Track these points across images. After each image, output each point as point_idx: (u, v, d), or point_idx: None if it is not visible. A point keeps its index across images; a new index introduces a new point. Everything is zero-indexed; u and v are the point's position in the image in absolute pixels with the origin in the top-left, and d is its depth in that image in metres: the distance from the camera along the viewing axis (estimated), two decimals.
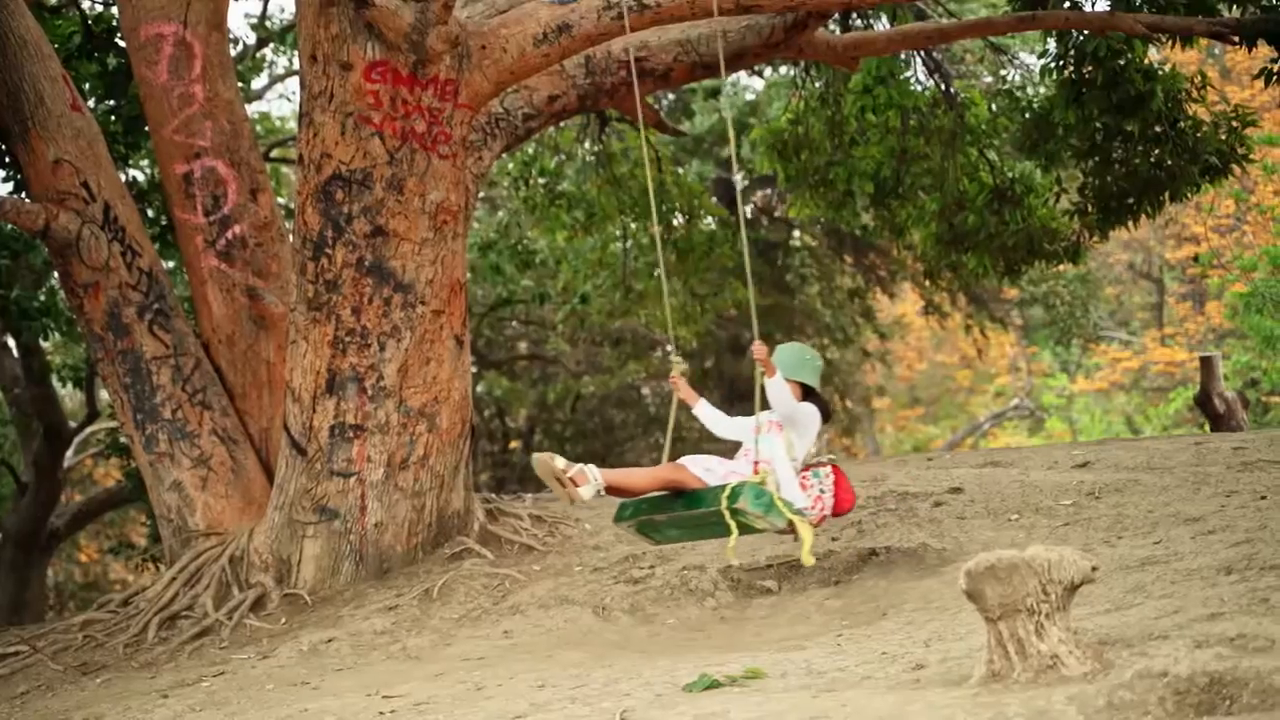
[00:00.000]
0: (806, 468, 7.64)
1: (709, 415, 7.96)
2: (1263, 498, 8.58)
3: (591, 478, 7.25)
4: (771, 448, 7.44)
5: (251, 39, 19.65)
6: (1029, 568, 4.66)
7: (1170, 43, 11.06)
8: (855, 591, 8.30)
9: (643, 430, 27.78)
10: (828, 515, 7.67)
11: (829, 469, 7.70)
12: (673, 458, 7.71)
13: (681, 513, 7.38)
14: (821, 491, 7.63)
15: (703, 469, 7.51)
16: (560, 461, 7.24)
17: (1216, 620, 5.24)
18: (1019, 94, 13.31)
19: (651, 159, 16.22)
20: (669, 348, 7.99)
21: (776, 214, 25.82)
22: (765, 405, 7.44)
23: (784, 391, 7.38)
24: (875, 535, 9.16)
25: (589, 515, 10.89)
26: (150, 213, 13.48)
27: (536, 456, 7.33)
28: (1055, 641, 4.67)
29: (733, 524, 7.18)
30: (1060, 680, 4.56)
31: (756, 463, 7.35)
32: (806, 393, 7.67)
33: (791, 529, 7.35)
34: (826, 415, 7.76)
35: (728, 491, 7.13)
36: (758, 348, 7.24)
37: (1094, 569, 4.76)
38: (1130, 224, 12.52)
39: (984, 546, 8.45)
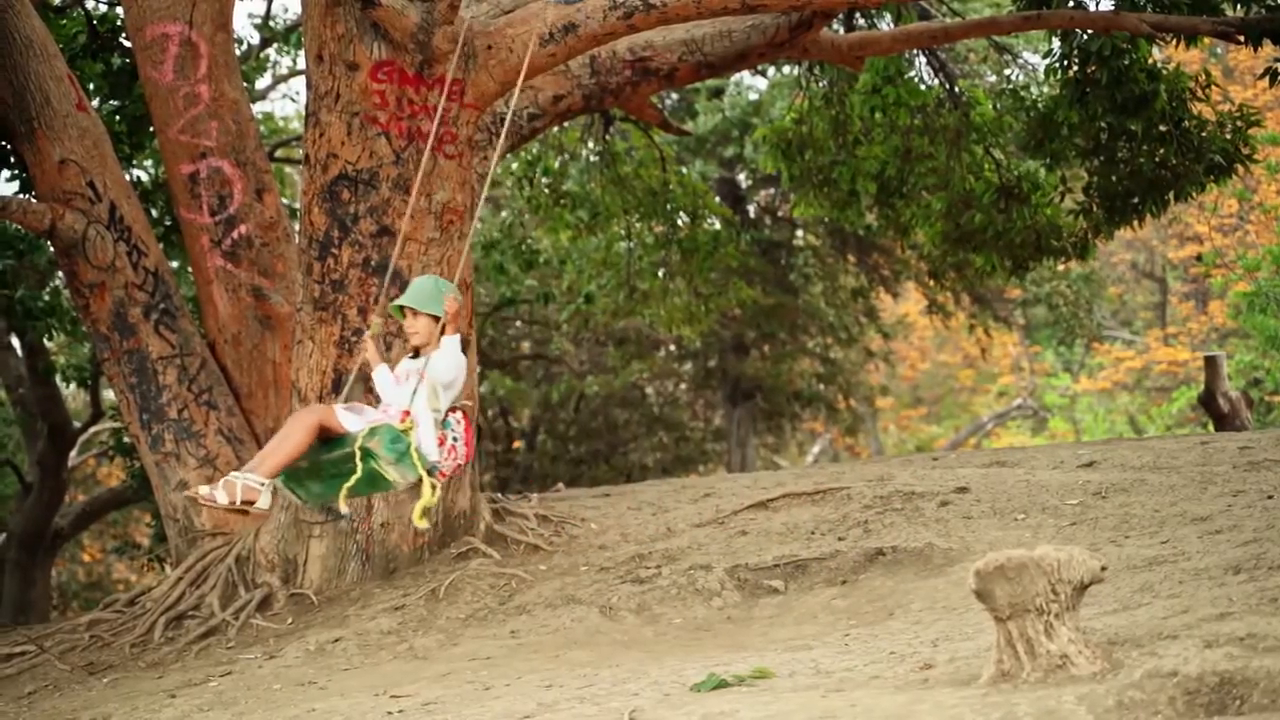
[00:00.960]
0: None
1: (382, 380, 7.31)
2: (1269, 497, 8.58)
3: (255, 483, 6.65)
4: (418, 400, 6.94)
5: (256, 39, 19.65)
6: (1038, 567, 4.66)
7: (1174, 42, 11.07)
8: (862, 591, 8.31)
9: (646, 430, 27.78)
10: (461, 464, 7.16)
11: (459, 415, 7.15)
12: None
13: (321, 457, 6.88)
14: (455, 440, 7.08)
15: (348, 416, 6.97)
16: (207, 492, 6.68)
17: (1225, 620, 5.24)
18: (1023, 93, 13.31)
19: (655, 159, 16.22)
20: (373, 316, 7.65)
21: (780, 214, 25.82)
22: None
23: (458, 350, 6.94)
24: (882, 535, 9.16)
25: (595, 515, 10.90)
26: (155, 212, 13.48)
27: (193, 494, 6.78)
28: (1064, 641, 4.67)
29: (360, 466, 6.72)
30: (1070, 680, 4.56)
31: (406, 412, 6.87)
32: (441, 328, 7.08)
33: (417, 485, 6.86)
34: (464, 345, 7.20)
35: (365, 431, 6.70)
36: (450, 303, 6.87)
37: (1103, 569, 4.76)
38: (1134, 223, 12.51)
39: (991, 546, 8.45)
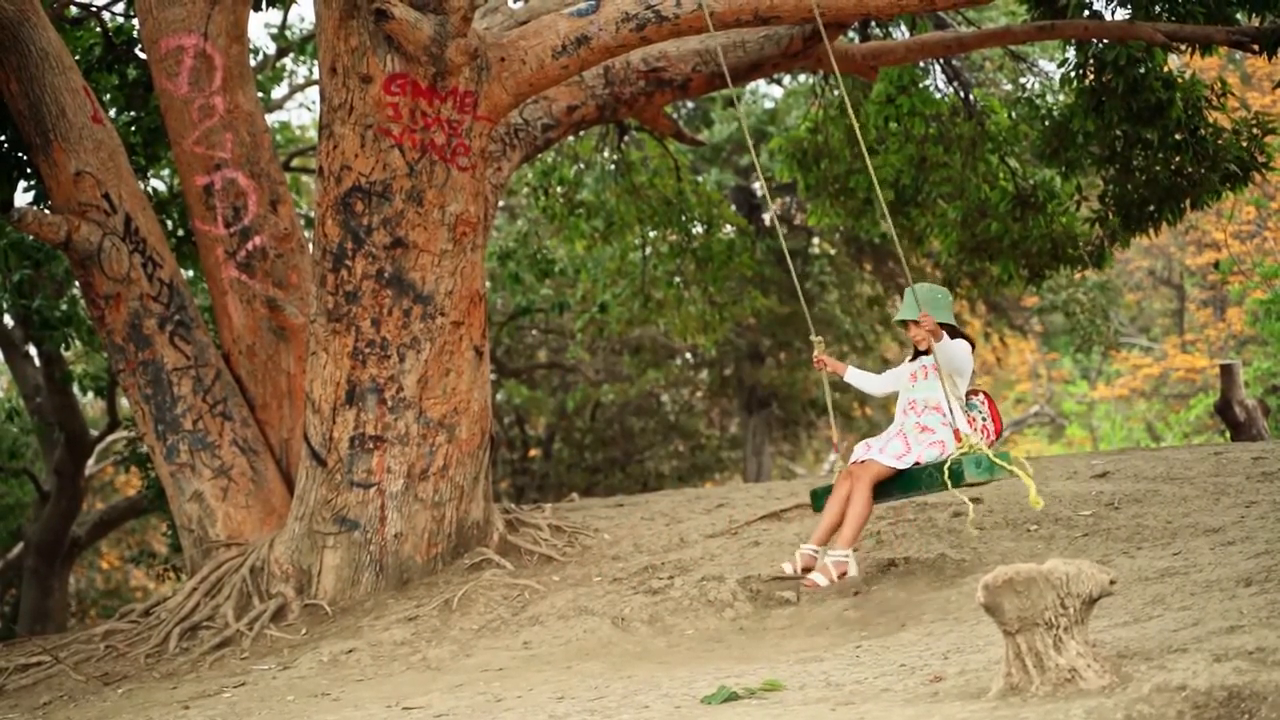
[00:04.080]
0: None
1: (860, 378, 8.36)
2: None
3: (844, 559, 7.71)
4: (934, 392, 7.75)
5: (271, 49, 19.72)
6: (1047, 581, 4.66)
7: (1190, 51, 11.05)
8: (874, 602, 8.30)
9: (662, 438, 27.78)
10: (993, 439, 7.91)
11: (982, 397, 8.00)
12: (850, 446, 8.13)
13: (897, 499, 8.00)
14: (985, 420, 7.91)
15: (884, 455, 7.79)
16: (789, 567, 7.93)
17: (1235, 633, 5.23)
18: (1038, 102, 13.29)
19: (670, 168, 16.24)
20: (812, 336, 8.10)
21: (796, 222, 25.82)
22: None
23: (952, 346, 7.71)
24: (894, 546, 9.16)
25: (608, 525, 10.91)
26: (170, 224, 13.53)
27: (778, 570, 8.07)
28: (1074, 655, 4.67)
29: (966, 499, 7.95)
30: (1078, 694, 4.56)
31: (958, 433, 7.56)
32: (948, 330, 7.86)
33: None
34: (972, 342, 8.03)
35: (947, 474, 7.38)
36: (926, 319, 7.52)
37: (1112, 582, 4.76)
38: (1150, 232, 12.49)
39: (1003, 557, 8.45)
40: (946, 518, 9.53)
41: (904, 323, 8.02)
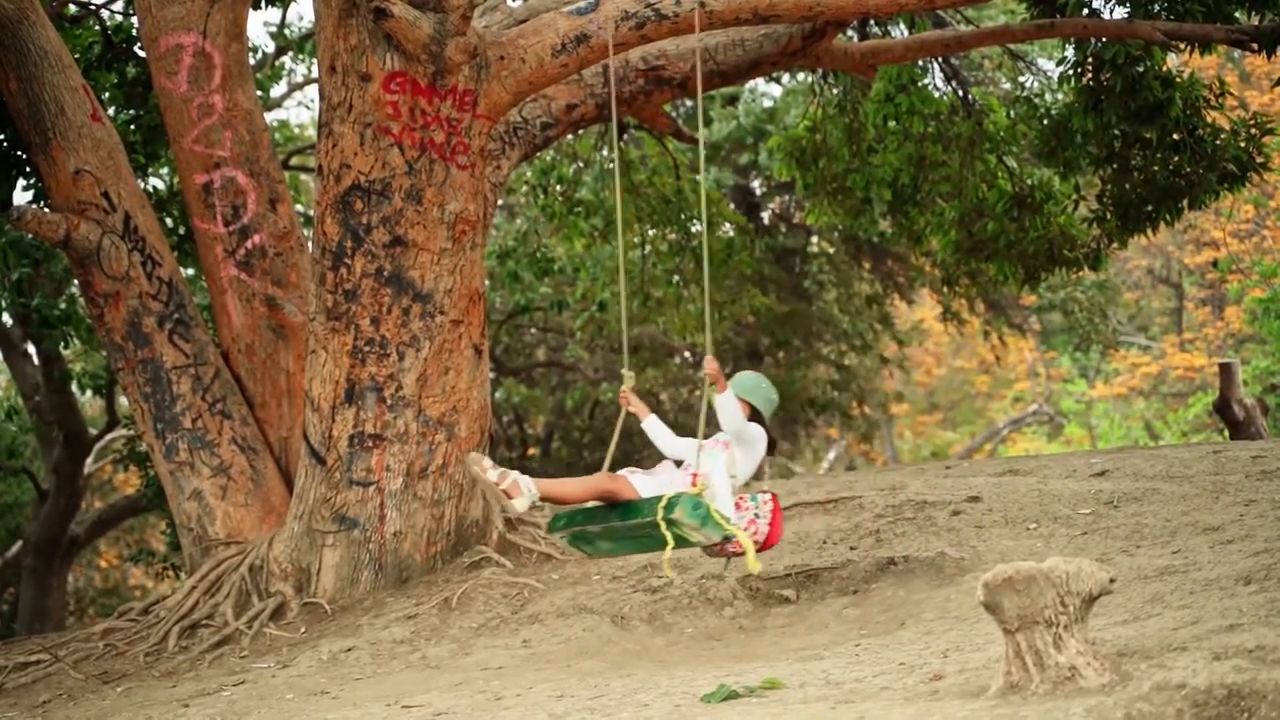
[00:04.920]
0: (745, 491, 7.52)
1: (657, 430, 7.77)
2: None
3: (525, 489, 7.03)
4: (713, 463, 7.27)
5: (271, 47, 19.72)
6: (1047, 579, 4.67)
7: (1189, 49, 11.05)
8: (873, 601, 8.31)
9: None
10: (759, 544, 7.39)
11: (768, 496, 7.49)
12: (612, 469, 7.55)
13: (616, 523, 7.18)
14: (756, 516, 7.42)
15: (640, 480, 7.30)
16: (490, 467, 7.07)
17: (1235, 631, 5.23)
18: (1037, 101, 13.28)
19: (669, 166, 16.24)
20: (624, 370, 7.76)
21: (794, 220, 25.81)
22: (712, 426, 7.36)
23: (734, 406, 7.28)
24: (893, 544, 9.16)
25: None
26: (170, 222, 13.53)
27: (469, 457, 7.19)
28: (1073, 653, 4.67)
29: (668, 535, 6.97)
30: (1078, 692, 4.57)
31: (695, 475, 7.13)
32: (755, 419, 7.51)
33: (724, 543, 7.19)
34: (772, 446, 7.56)
35: (664, 502, 6.94)
36: (709, 363, 7.15)
37: (1112, 580, 4.76)
38: (1148, 231, 12.48)
39: (1002, 556, 8.45)
40: (946, 516, 9.53)
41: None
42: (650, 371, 26.08)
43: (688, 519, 6.93)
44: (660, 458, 7.67)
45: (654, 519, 6.96)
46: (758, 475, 7.56)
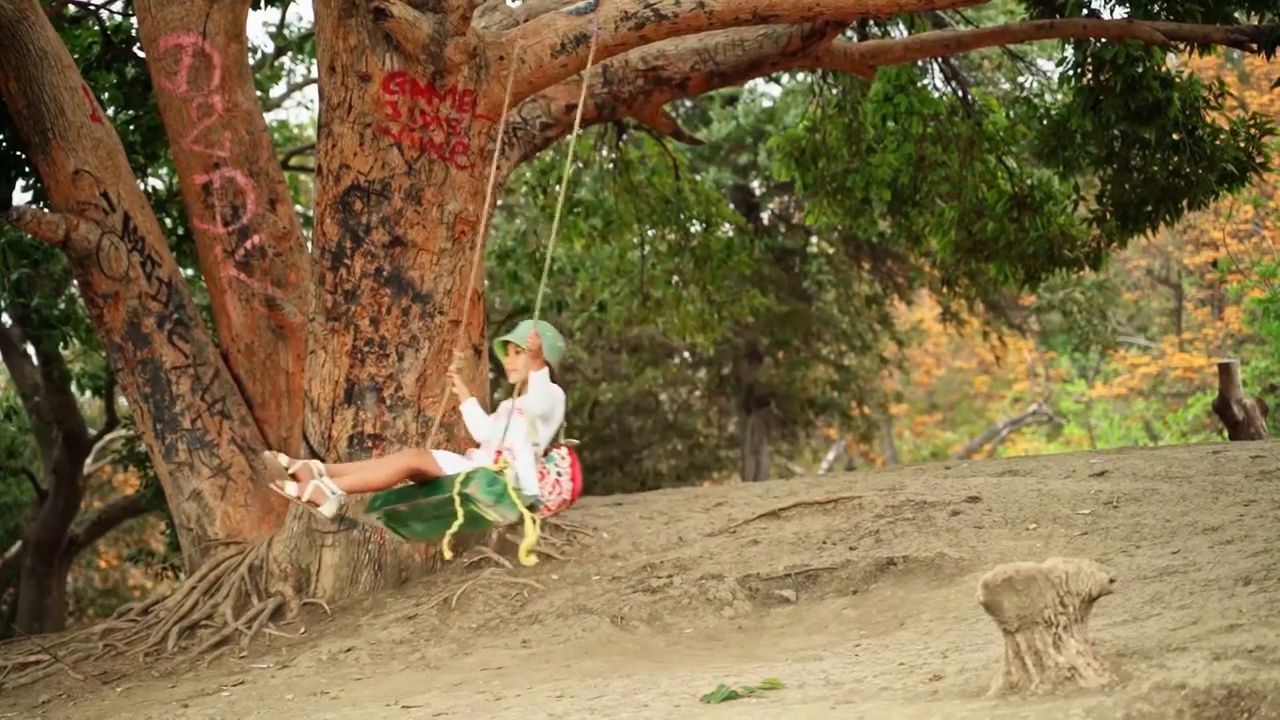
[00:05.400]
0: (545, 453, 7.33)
1: (471, 413, 7.58)
2: None
3: (328, 491, 6.80)
4: (514, 434, 7.11)
5: (270, 47, 19.72)
6: (1046, 580, 4.66)
7: (1188, 50, 11.05)
8: (873, 601, 8.30)
9: (660, 437, 27.78)
10: (566, 500, 7.28)
11: (565, 452, 7.33)
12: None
13: (420, 500, 7.04)
14: (559, 475, 7.26)
15: (446, 457, 7.17)
16: (287, 475, 6.80)
17: (1235, 632, 5.23)
18: (1037, 101, 13.28)
19: (669, 166, 16.24)
20: (456, 351, 7.68)
21: (794, 221, 25.82)
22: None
23: (550, 386, 7.16)
24: (893, 544, 9.16)
25: (607, 524, 10.91)
26: (169, 222, 13.53)
27: (265, 456, 6.91)
28: (1073, 653, 4.67)
29: (460, 510, 6.82)
30: (1078, 692, 4.56)
31: (499, 451, 6.99)
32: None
33: (520, 523, 7.01)
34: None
35: (461, 477, 6.81)
36: (532, 338, 7.05)
37: (1111, 581, 4.76)
38: (1148, 231, 12.49)
39: (1001, 556, 8.45)
40: (945, 517, 9.53)
41: (505, 347, 7.38)
42: (649, 372, 26.08)
43: (482, 494, 6.78)
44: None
45: (451, 494, 6.82)
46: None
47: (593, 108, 12.10)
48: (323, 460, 7.03)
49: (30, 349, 19.06)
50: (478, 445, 7.43)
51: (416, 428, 9.76)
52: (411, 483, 7.13)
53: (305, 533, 9.88)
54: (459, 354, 7.57)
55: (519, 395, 7.24)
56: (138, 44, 12.38)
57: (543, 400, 7.16)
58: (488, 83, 9.47)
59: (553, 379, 7.32)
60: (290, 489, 6.77)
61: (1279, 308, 19.23)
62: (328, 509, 6.82)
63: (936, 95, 13.71)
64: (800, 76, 21.78)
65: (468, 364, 9.91)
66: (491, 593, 9.29)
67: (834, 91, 14.38)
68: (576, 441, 7.49)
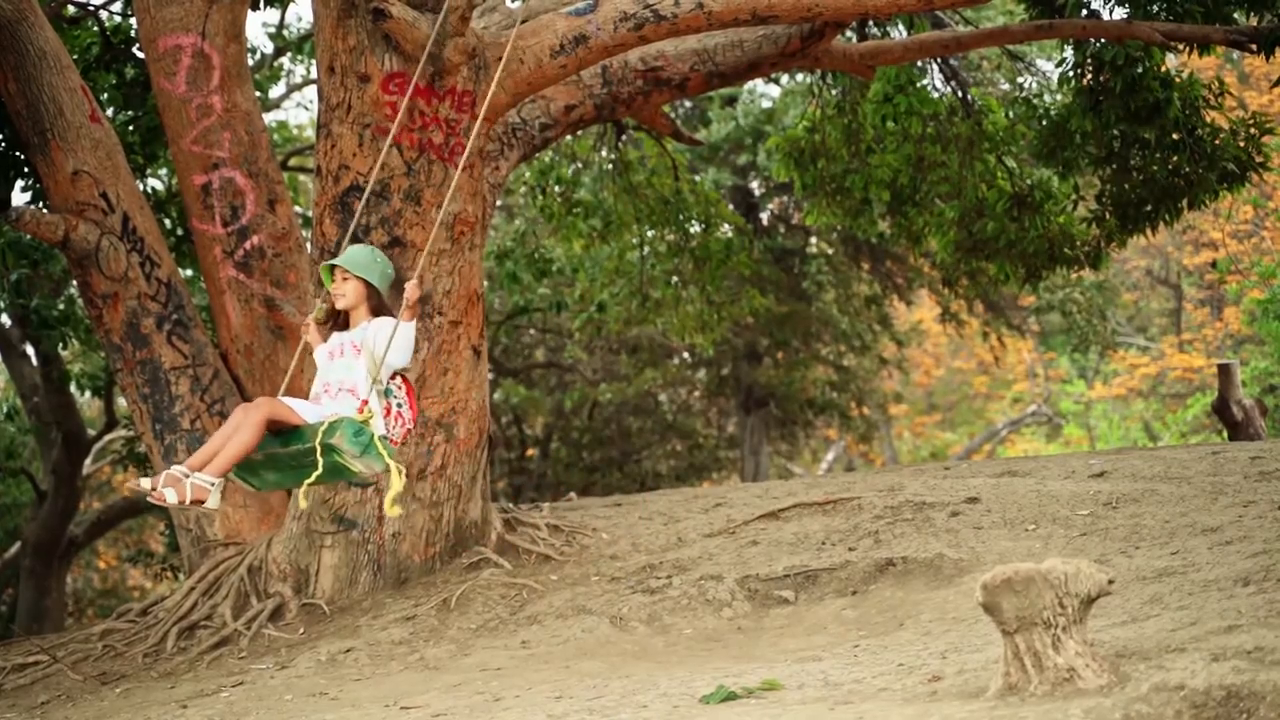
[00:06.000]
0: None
1: (320, 357, 7.16)
2: None
3: (204, 483, 6.52)
4: (352, 373, 6.85)
5: (269, 48, 19.71)
6: (1045, 581, 4.67)
7: (1188, 50, 11.05)
8: (872, 602, 8.30)
9: (660, 437, 27.79)
10: (409, 429, 7.04)
11: (399, 381, 7.00)
12: None
13: (278, 450, 6.72)
14: (399, 406, 6.96)
15: (304, 406, 6.84)
16: (164, 487, 6.49)
17: (1233, 633, 5.23)
18: (1036, 101, 13.28)
19: (668, 167, 16.23)
20: (318, 300, 7.40)
21: (793, 221, 25.82)
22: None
23: (412, 334, 6.88)
24: (892, 545, 9.16)
25: (606, 525, 10.91)
26: (169, 223, 13.53)
27: (128, 486, 6.84)
28: (1072, 654, 4.67)
29: (321, 461, 6.54)
30: (1077, 693, 4.57)
31: (365, 401, 6.71)
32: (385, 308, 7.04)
33: (383, 475, 6.76)
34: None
35: (324, 426, 6.54)
36: (412, 288, 6.71)
37: (1110, 582, 4.76)
38: (1148, 231, 12.49)
39: (1000, 557, 8.45)
40: (945, 518, 9.53)
41: (332, 271, 7.05)
42: (649, 372, 26.09)
43: (348, 445, 6.52)
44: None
45: (313, 444, 6.55)
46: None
47: (592, 108, 12.09)
48: (179, 464, 6.80)
49: (29, 349, 19.05)
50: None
51: (415, 429, 9.74)
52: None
53: (304, 533, 9.88)
54: (321, 303, 7.22)
55: (349, 325, 6.98)
56: (137, 44, 12.38)
57: (405, 349, 6.83)
58: (486, 83, 9.47)
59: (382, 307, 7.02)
60: (171, 496, 6.48)
61: (1278, 308, 19.23)
62: (213, 500, 6.56)
63: (936, 95, 13.71)
64: (799, 77, 21.77)
65: (467, 365, 9.91)
66: (490, 593, 9.29)
67: (833, 92, 14.38)
68: (404, 368, 7.06)
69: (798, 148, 14.41)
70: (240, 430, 6.60)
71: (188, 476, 6.50)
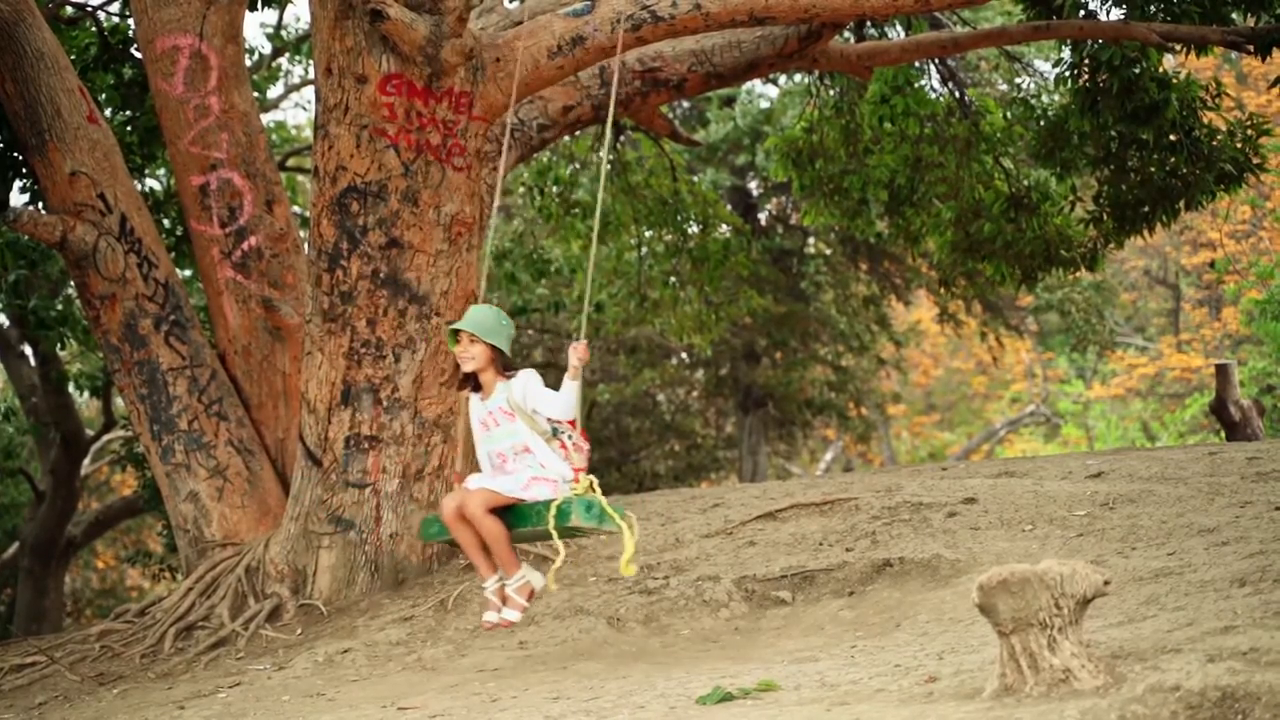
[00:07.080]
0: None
1: (474, 426, 7.39)
2: (1277, 508, 8.56)
3: (536, 580, 7.23)
4: (518, 435, 7.05)
5: (267, 49, 19.72)
6: (1041, 582, 4.67)
7: (1185, 51, 11.06)
8: (869, 603, 8.30)
9: (658, 438, 27.79)
10: (585, 450, 7.15)
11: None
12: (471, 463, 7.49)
13: (511, 530, 7.07)
14: (571, 439, 7.10)
15: (504, 480, 7.07)
16: (493, 618, 7.26)
17: (1230, 633, 5.24)
18: (1034, 102, 13.29)
19: (666, 168, 16.25)
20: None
21: (791, 221, 25.83)
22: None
23: (533, 377, 7.14)
24: (889, 546, 9.16)
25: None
26: (167, 223, 13.53)
27: (487, 628, 7.37)
28: (1068, 655, 4.67)
29: (560, 545, 6.90)
30: (1073, 694, 4.57)
31: (578, 470, 6.94)
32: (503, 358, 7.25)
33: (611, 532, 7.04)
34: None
35: (554, 511, 6.74)
36: (580, 354, 6.88)
37: (1106, 583, 4.76)
38: (1145, 232, 12.50)
39: (997, 558, 8.45)
40: (942, 518, 9.53)
41: (455, 336, 7.21)
42: (647, 373, 26.09)
43: (585, 522, 6.77)
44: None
45: (546, 529, 6.81)
46: None
47: (589, 109, 12.10)
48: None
49: (28, 350, 19.08)
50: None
51: (413, 429, 9.76)
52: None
53: (302, 534, 9.88)
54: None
55: (484, 391, 7.18)
56: (135, 45, 12.38)
57: (572, 407, 7.00)
58: (484, 84, 9.47)
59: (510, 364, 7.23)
60: (514, 616, 7.23)
61: (1276, 308, 19.24)
62: (538, 581, 7.26)
63: (933, 96, 13.72)
64: (797, 78, 21.78)
65: None
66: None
67: (831, 93, 14.39)
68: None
69: (795, 148, 14.41)
70: (486, 529, 7.01)
71: (516, 596, 7.18)
